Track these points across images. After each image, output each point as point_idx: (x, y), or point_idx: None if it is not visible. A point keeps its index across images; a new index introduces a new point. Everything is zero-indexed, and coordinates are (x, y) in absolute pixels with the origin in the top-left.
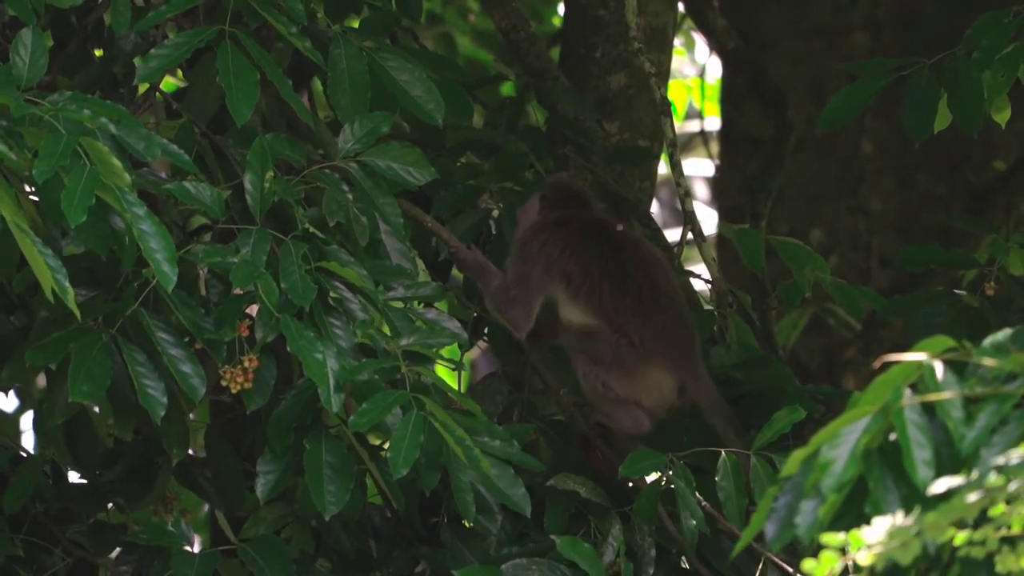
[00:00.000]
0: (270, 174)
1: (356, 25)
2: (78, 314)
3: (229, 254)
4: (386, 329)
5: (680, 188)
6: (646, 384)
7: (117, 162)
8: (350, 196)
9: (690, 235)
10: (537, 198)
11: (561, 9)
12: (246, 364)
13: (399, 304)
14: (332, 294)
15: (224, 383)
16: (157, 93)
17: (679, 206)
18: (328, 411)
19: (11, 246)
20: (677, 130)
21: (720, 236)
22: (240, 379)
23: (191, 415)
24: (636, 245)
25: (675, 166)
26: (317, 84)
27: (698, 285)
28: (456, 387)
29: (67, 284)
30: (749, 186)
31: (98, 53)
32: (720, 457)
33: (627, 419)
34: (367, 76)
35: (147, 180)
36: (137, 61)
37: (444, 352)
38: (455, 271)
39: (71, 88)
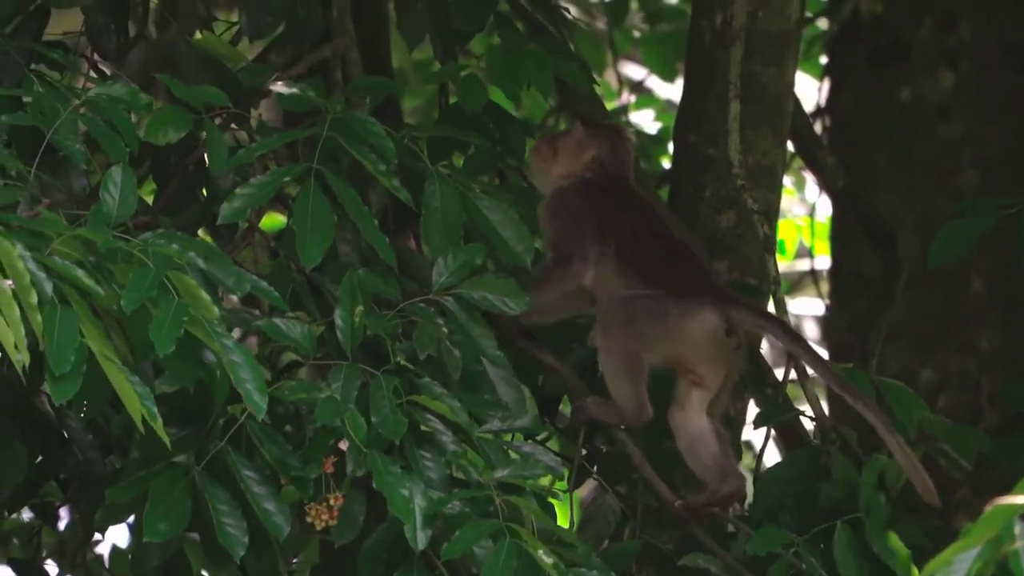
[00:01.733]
0: (360, 309)
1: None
2: (167, 440)
3: (317, 390)
4: (480, 462)
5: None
6: (694, 331)
7: (205, 295)
8: (444, 329)
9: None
10: (592, 153)
11: (670, 148)
12: (331, 502)
13: (493, 437)
14: (423, 427)
15: (309, 520)
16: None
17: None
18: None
19: (103, 382)
20: (787, 269)
21: None
22: (325, 516)
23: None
24: (652, 203)
25: (779, 304)
26: None
27: (804, 422)
28: (567, 516)
29: (155, 410)
30: (858, 325)
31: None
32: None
33: (632, 402)
34: (461, 214)
35: (239, 317)
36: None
37: (550, 484)
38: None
39: (173, 227)
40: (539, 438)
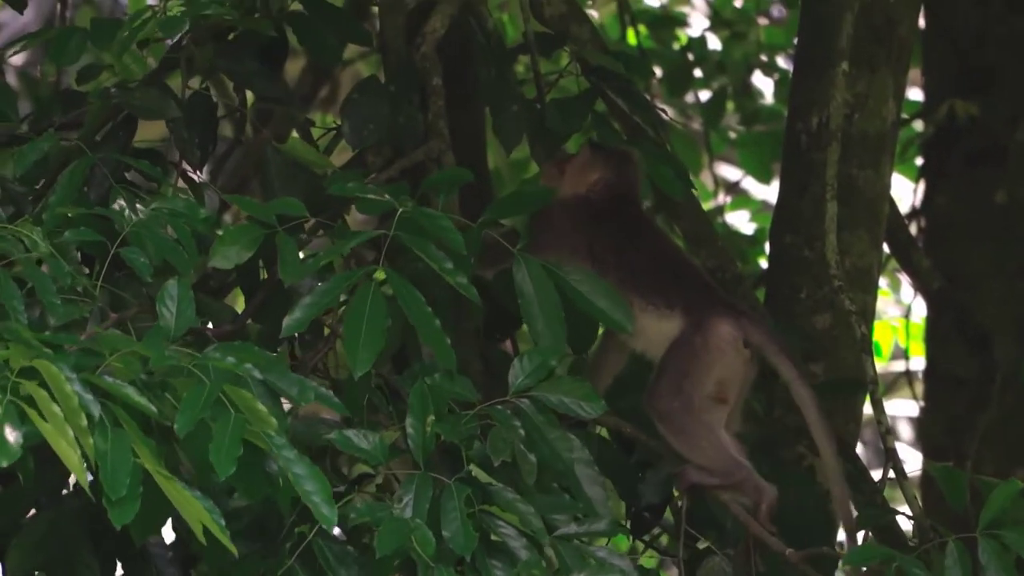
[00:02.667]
0: (431, 419)
1: None
2: (234, 550)
3: (384, 510)
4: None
5: (881, 426)
6: (723, 351)
7: (262, 408)
8: (521, 431)
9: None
10: (596, 175)
11: (766, 249)
12: None
13: (570, 541)
14: (494, 536)
15: None
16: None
17: (881, 446)
18: None
19: (164, 500)
20: (882, 370)
21: (925, 475)
22: None
23: None
24: (657, 225)
25: (876, 404)
26: None
27: (902, 522)
28: None
29: (223, 523)
30: (954, 427)
31: None
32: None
33: (720, 459)
34: (556, 295)
35: (308, 428)
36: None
37: None
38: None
39: (261, 334)
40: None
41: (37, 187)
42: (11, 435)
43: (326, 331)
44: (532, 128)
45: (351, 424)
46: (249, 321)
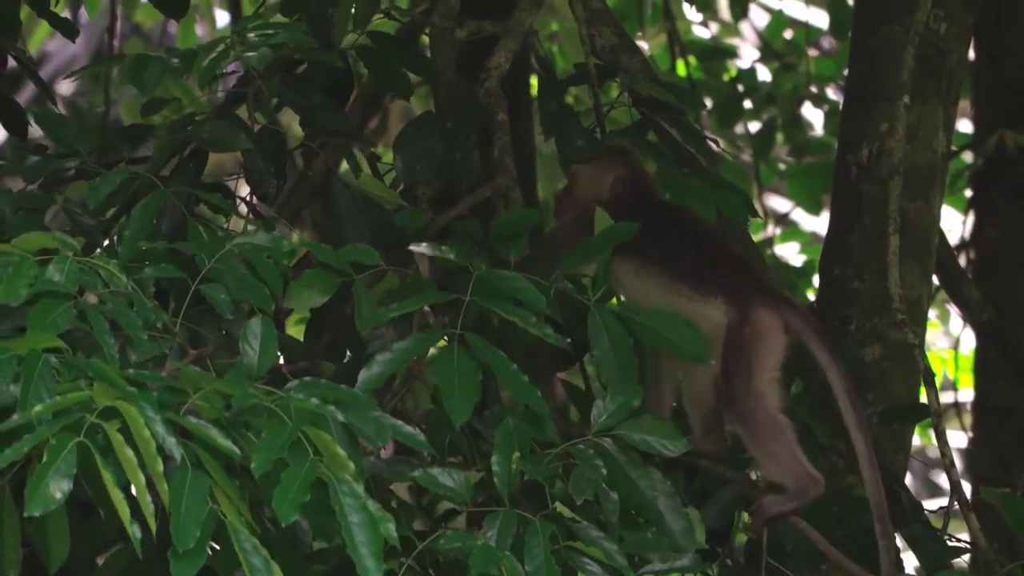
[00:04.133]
0: (516, 455)
1: None
2: None
3: (472, 540)
4: None
5: (945, 458)
6: (769, 338)
7: (341, 452)
8: (603, 470)
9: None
10: (612, 177)
11: (815, 281)
12: None
13: None
14: (580, 573)
15: None
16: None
17: (930, 477)
18: None
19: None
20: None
21: (976, 502)
22: None
23: None
24: (688, 214)
25: (940, 435)
26: None
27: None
28: None
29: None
30: (1003, 457)
31: None
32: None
33: (800, 469)
34: (628, 343)
35: (393, 467)
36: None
37: None
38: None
39: (336, 373)
40: None
41: (105, 219)
42: (58, 485)
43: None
44: None
45: (436, 463)
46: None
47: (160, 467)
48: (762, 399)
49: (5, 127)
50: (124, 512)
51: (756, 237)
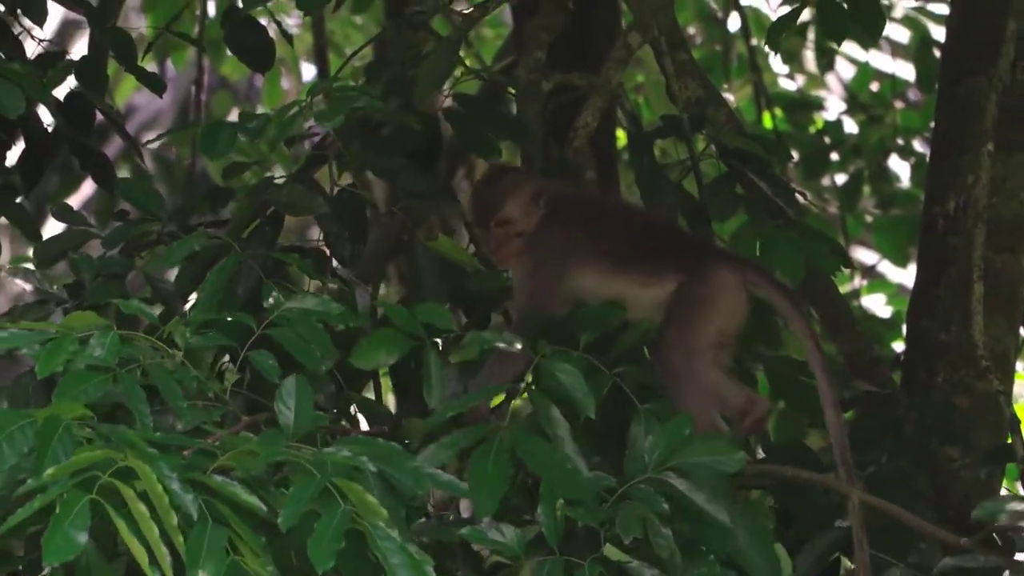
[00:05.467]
0: (560, 503)
1: None
2: None
3: None
4: None
5: None
6: (729, 300)
7: (372, 499)
8: (665, 505)
9: None
10: (534, 204)
11: (904, 332)
12: None
13: None
14: None
15: None
16: None
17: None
18: None
19: None
20: None
21: None
22: None
23: None
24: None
25: None
26: None
27: None
28: None
29: None
30: None
31: None
32: None
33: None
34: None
35: (433, 527)
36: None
37: None
38: None
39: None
40: None
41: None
42: (75, 536)
43: None
44: (686, 215)
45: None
46: None
47: (174, 520)
48: (692, 355)
49: (94, 180)
50: (143, 559)
51: (843, 289)
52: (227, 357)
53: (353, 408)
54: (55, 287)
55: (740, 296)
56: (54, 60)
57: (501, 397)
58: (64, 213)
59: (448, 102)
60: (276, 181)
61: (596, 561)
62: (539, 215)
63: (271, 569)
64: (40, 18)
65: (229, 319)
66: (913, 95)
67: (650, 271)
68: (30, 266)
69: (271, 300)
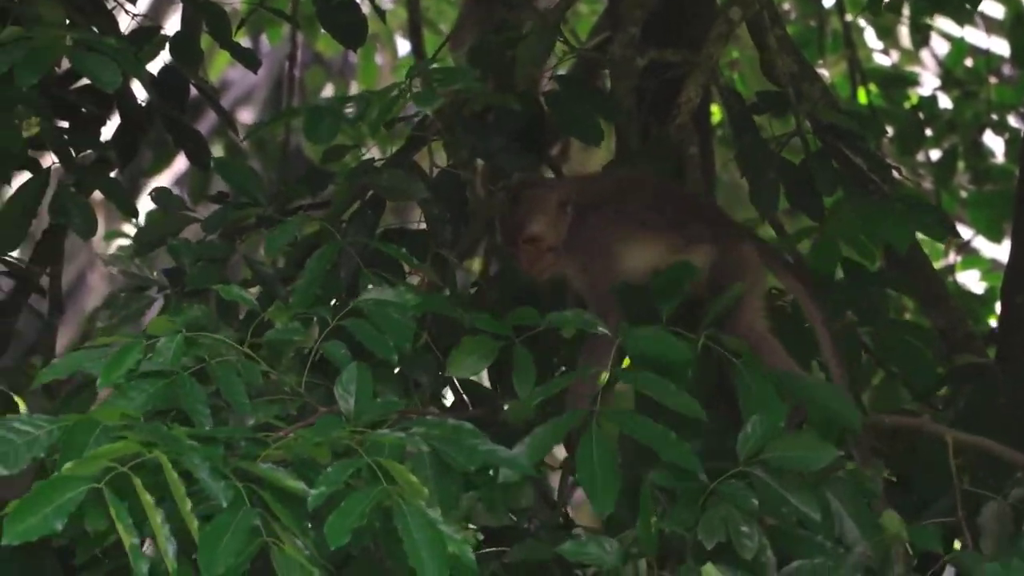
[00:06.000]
0: (654, 520)
1: None
2: None
3: None
4: None
5: None
6: (753, 269)
7: (414, 479)
8: (755, 501)
9: None
10: (562, 214)
11: (998, 308)
12: None
13: None
14: None
15: None
16: None
17: None
18: None
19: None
20: None
21: None
22: None
23: None
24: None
25: None
26: None
27: None
28: None
29: None
30: None
31: None
32: None
33: None
34: (775, 396)
35: (533, 547)
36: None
37: None
38: None
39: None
40: None
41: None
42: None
43: None
44: (790, 193)
45: None
46: None
47: (187, 507)
48: (754, 320)
49: (188, 157)
50: (130, 543)
51: (937, 264)
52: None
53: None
54: (155, 273)
55: (762, 270)
56: (148, 35)
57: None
58: (163, 197)
59: (548, 83)
60: (375, 164)
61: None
62: (568, 221)
63: (307, 554)
64: None
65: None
66: (1008, 70)
67: (687, 239)
68: (126, 242)
69: (369, 288)
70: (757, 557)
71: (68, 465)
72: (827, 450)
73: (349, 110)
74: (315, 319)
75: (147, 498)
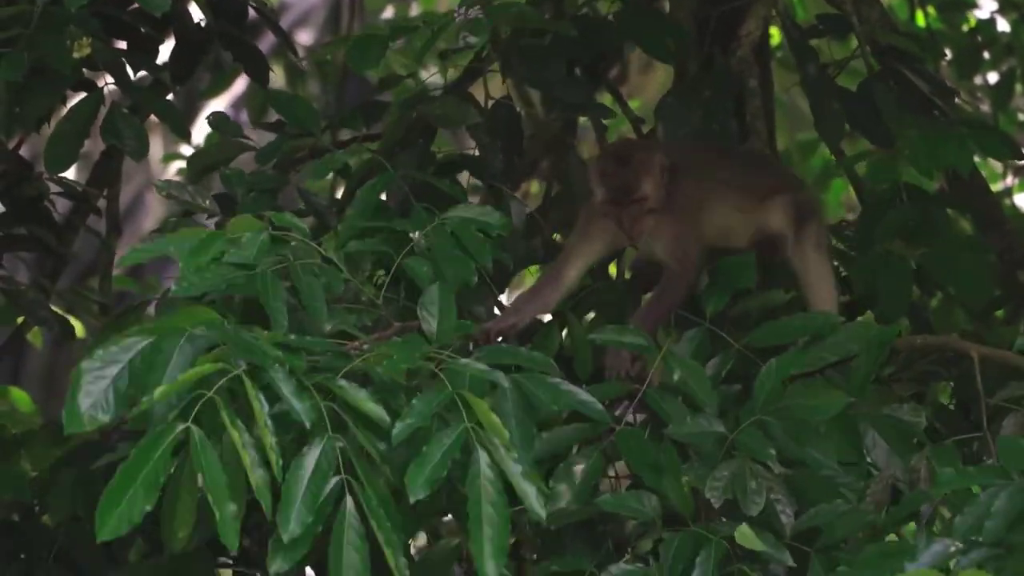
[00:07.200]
0: (685, 479)
1: None
2: None
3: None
4: None
5: None
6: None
7: (495, 419)
8: (772, 451)
9: None
10: (663, 178)
11: None
12: None
13: None
14: None
15: None
16: None
17: None
18: None
19: None
20: None
21: None
22: None
23: None
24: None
25: None
26: None
27: None
28: None
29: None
30: None
31: None
32: None
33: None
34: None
35: (573, 510)
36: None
37: None
38: None
39: None
40: None
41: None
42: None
43: None
44: (854, 122)
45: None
46: None
47: (270, 440)
48: (821, 249)
49: (247, 74)
50: (220, 498)
51: (995, 187)
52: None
53: None
54: (207, 201)
55: (823, 211)
56: None
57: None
58: (220, 122)
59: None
60: (431, 94)
61: (723, 538)
62: (666, 185)
63: (383, 493)
64: None
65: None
66: None
67: (764, 194)
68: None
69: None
70: (770, 507)
71: (159, 392)
72: (836, 398)
73: (401, 40)
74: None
75: (235, 437)
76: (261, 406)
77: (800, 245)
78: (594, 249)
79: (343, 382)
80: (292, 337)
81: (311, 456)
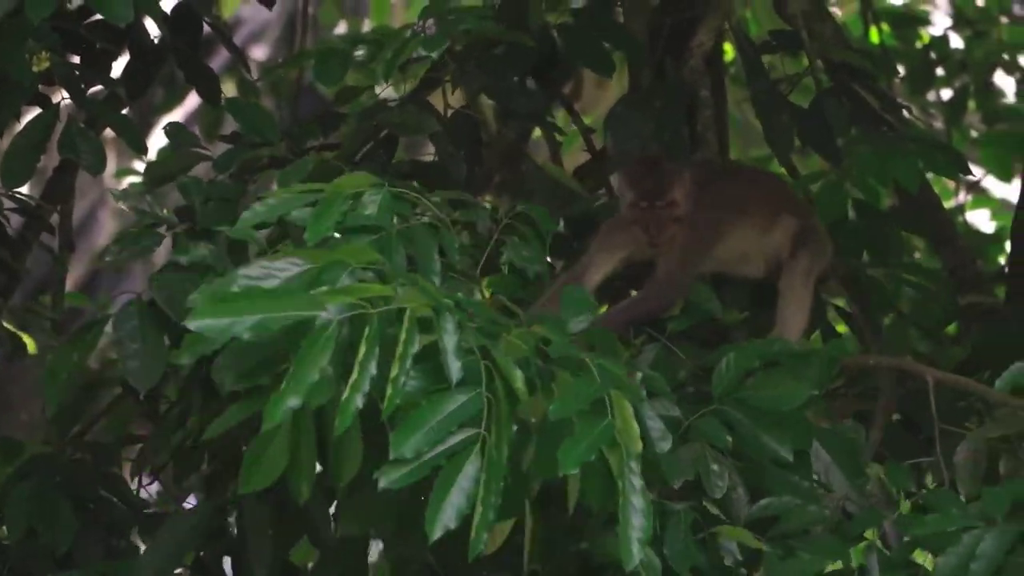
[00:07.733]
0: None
1: None
2: None
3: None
4: None
5: None
6: (816, 234)
7: (635, 426)
8: (729, 438)
9: None
10: (692, 191)
11: (1008, 247)
12: None
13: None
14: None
15: None
16: None
17: None
18: None
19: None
20: None
21: None
22: None
23: None
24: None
25: None
26: None
27: None
28: None
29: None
30: None
31: None
32: None
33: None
34: None
35: None
36: None
37: None
38: None
39: None
40: None
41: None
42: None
43: None
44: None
45: None
46: None
47: (397, 372)
48: (810, 278)
49: (199, 94)
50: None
51: (947, 204)
52: None
53: None
54: (165, 211)
55: (828, 240)
56: None
57: None
58: (176, 133)
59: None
60: (389, 104)
61: (692, 509)
62: (694, 194)
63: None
64: None
65: None
66: (1019, 10)
67: (774, 219)
68: (137, 179)
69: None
70: (728, 494)
71: (321, 290)
72: (802, 389)
73: (360, 52)
74: None
75: (362, 349)
76: (410, 344)
77: (790, 269)
78: (615, 259)
79: (504, 357)
80: (459, 296)
81: (454, 400)
